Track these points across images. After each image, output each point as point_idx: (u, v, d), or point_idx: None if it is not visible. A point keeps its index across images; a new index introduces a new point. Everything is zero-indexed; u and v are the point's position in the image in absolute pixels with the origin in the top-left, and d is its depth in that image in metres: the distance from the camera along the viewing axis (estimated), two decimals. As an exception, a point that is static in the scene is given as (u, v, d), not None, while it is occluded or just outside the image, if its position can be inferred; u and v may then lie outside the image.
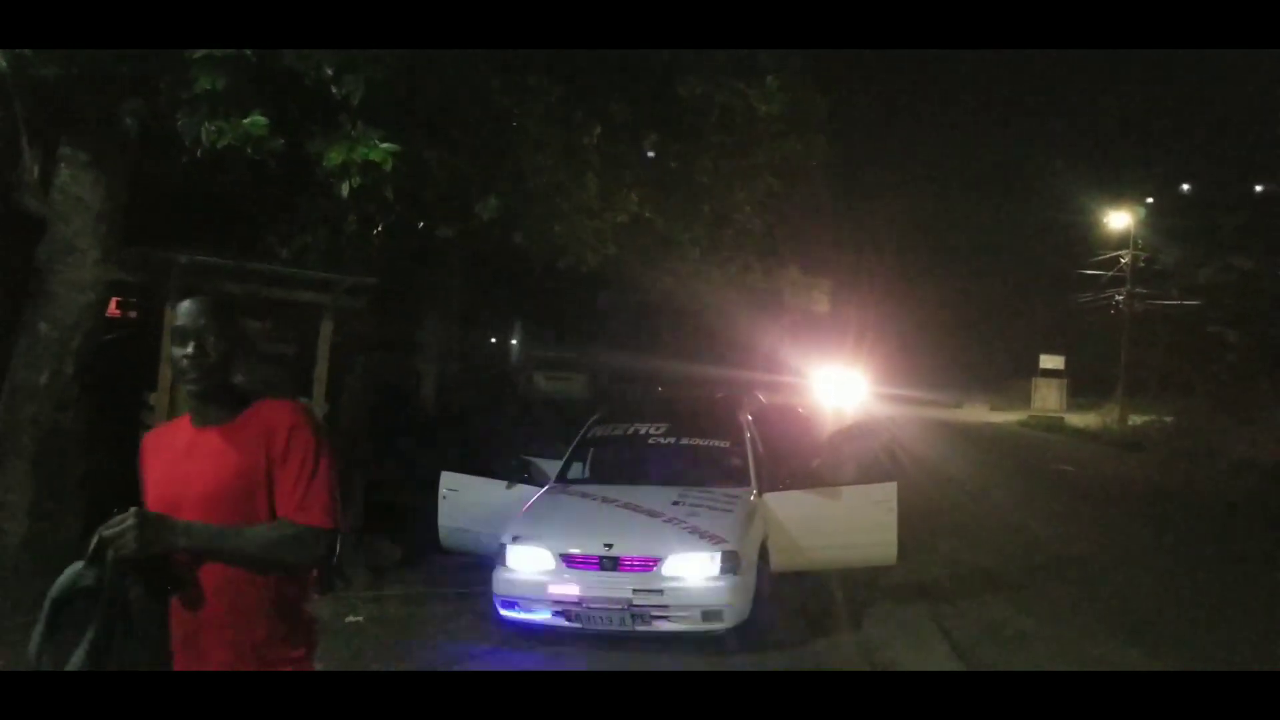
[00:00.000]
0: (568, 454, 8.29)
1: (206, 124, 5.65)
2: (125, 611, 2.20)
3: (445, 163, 7.15)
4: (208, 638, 2.35)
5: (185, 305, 2.45)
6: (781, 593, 7.38)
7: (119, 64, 5.68)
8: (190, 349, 2.38)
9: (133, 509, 2.22)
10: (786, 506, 7.48)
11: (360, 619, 6.89)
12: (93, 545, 2.18)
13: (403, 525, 8.65)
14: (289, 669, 2.44)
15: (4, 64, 5.43)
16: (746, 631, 6.57)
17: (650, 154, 8.87)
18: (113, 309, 8.23)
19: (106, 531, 2.17)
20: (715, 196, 9.97)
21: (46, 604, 2.18)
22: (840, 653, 6.69)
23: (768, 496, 7.51)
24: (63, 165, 6.60)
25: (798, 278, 13.03)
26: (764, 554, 7.07)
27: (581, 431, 8.52)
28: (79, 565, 2.19)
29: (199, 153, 5.82)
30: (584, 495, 7.61)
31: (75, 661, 2.12)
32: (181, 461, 2.44)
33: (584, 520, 7.10)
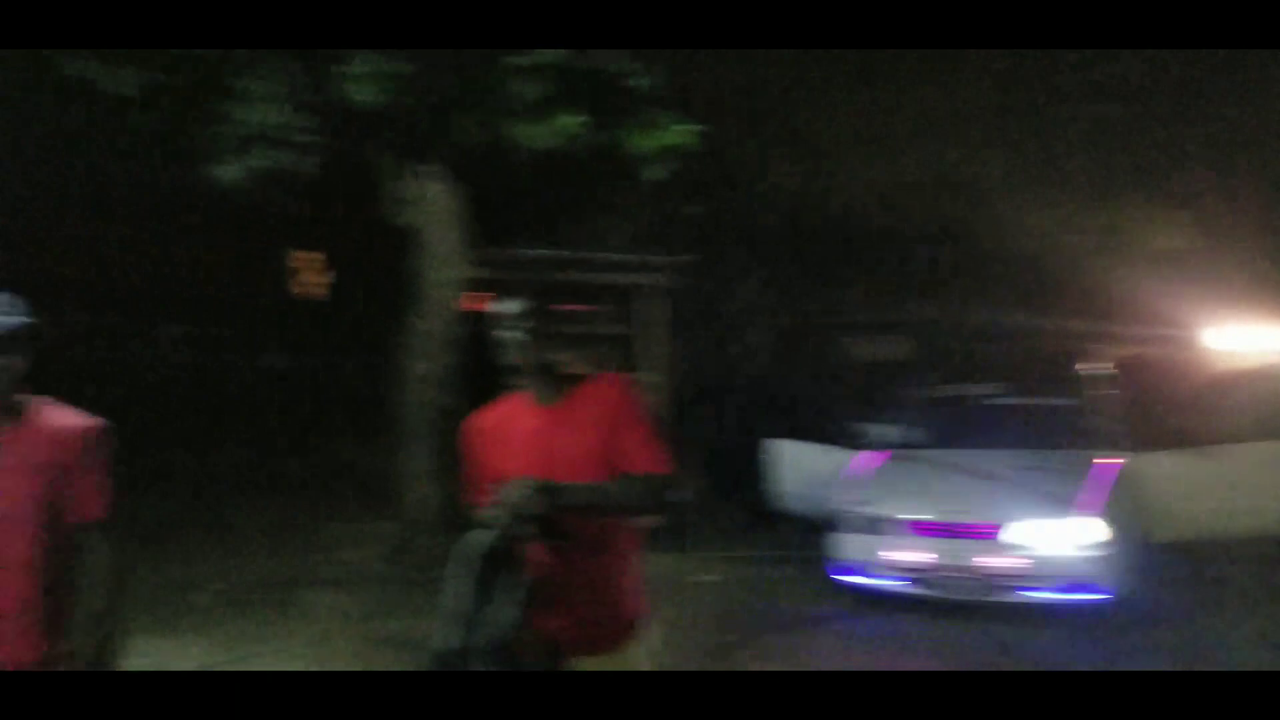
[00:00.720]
0: (900, 418, 8.05)
1: (529, 128, 6.13)
2: (523, 568, 2.49)
3: (746, 137, 7.26)
4: (584, 588, 2.63)
5: (508, 299, 2.73)
6: (1164, 565, 6.63)
7: (456, 84, 6.32)
8: (520, 330, 2.66)
9: (527, 477, 2.49)
10: (1165, 468, 6.71)
11: (714, 578, 7.19)
12: (501, 509, 2.45)
13: (743, 491, 8.87)
14: (644, 611, 2.75)
15: (379, 99, 6.19)
16: (1119, 605, 6.01)
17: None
18: (478, 303, 9.12)
19: (512, 496, 2.44)
20: (1031, 133, 9.14)
21: (474, 562, 2.45)
22: (1232, 634, 5.89)
23: (1140, 458, 6.79)
24: (424, 181, 7.44)
25: (1151, 214, 11.60)
26: (1137, 521, 6.41)
27: (914, 395, 8.24)
28: (489, 529, 2.46)
29: (527, 154, 6.35)
30: (923, 460, 7.35)
31: (509, 617, 2.41)
32: (539, 436, 2.69)
33: (925, 485, 6.89)
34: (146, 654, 5.34)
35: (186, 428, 12.84)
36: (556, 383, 2.72)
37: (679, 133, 6.24)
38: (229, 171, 6.49)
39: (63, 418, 2.45)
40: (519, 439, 2.73)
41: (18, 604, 2.34)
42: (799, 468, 7.90)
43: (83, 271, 14.31)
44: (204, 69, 6.56)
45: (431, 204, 7.42)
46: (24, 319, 2.37)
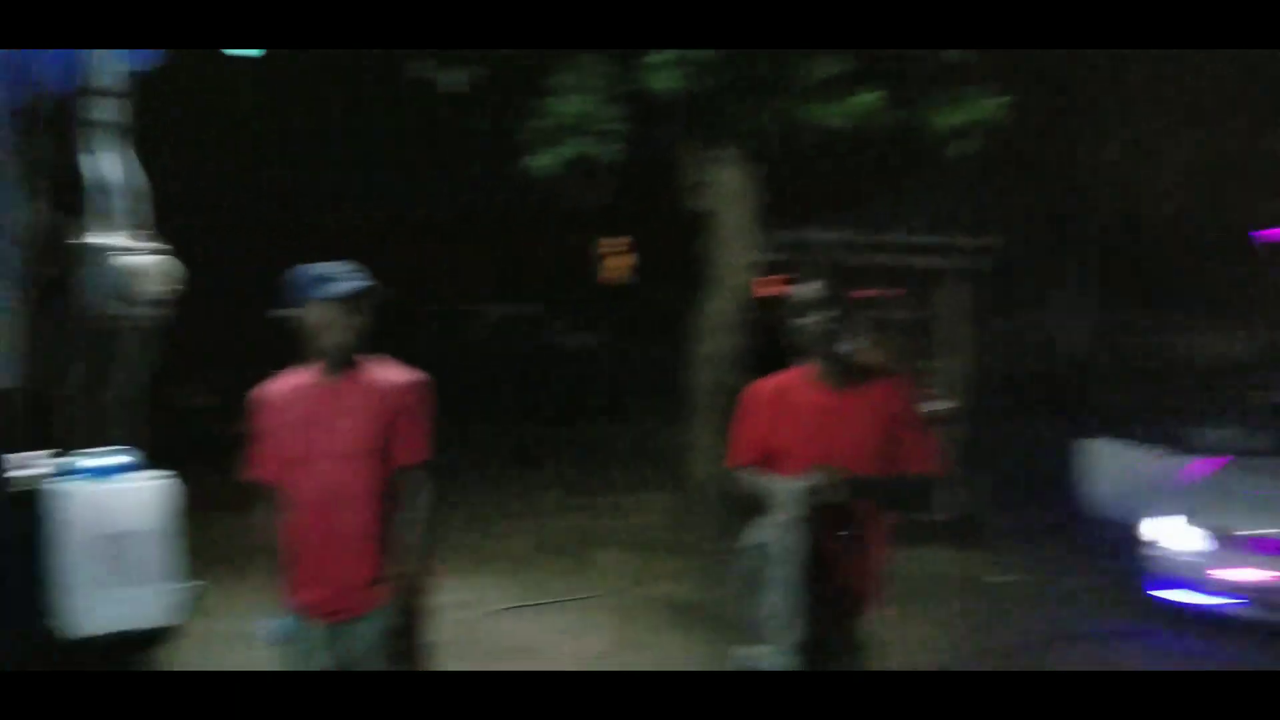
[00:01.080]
0: (1242, 422, 7.15)
1: (824, 108, 6.06)
2: (817, 555, 2.59)
3: (1062, 109, 6.69)
4: (858, 573, 2.74)
5: (806, 285, 2.81)
6: None
7: (753, 67, 6.38)
8: (817, 316, 2.73)
9: (823, 465, 2.58)
10: None
11: (1011, 579, 6.81)
12: (800, 496, 2.54)
13: (1046, 490, 8.29)
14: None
15: (679, 85, 6.41)
16: None
17: None
18: (769, 288, 9.23)
19: (813, 483, 2.55)
20: None
21: (784, 552, 2.56)
22: None
23: None
24: (716, 166, 7.60)
25: None
26: None
27: (1258, 396, 7.28)
28: (788, 514, 2.56)
29: (822, 135, 6.29)
30: (1263, 470, 6.47)
31: (814, 602, 2.52)
32: (823, 415, 2.76)
33: (1265, 498, 6.07)
34: (464, 590, 6.01)
35: (505, 397, 14.13)
36: (847, 369, 2.77)
37: (985, 106, 5.90)
38: (542, 162, 6.99)
39: (393, 373, 2.82)
40: (802, 414, 2.79)
41: (360, 528, 2.72)
42: (1115, 469, 7.27)
43: (420, 257, 16.13)
44: (525, 67, 7.13)
45: (725, 188, 7.57)
46: (367, 284, 2.75)
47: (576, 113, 6.83)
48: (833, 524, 2.59)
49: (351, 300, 2.69)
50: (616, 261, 19.04)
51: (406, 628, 2.72)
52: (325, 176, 12.32)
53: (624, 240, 18.91)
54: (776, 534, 2.57)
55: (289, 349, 2.79)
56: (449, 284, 17.55)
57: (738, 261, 7.64)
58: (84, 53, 3.10)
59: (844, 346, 2.74)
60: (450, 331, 17.22)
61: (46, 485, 3.35)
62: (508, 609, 6.00)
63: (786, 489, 2.59)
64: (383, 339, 2.85)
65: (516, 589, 6.41)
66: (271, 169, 11.76)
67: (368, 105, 8.48)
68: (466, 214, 15.13)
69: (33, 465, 3.43)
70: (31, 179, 3.48)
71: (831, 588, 2.63)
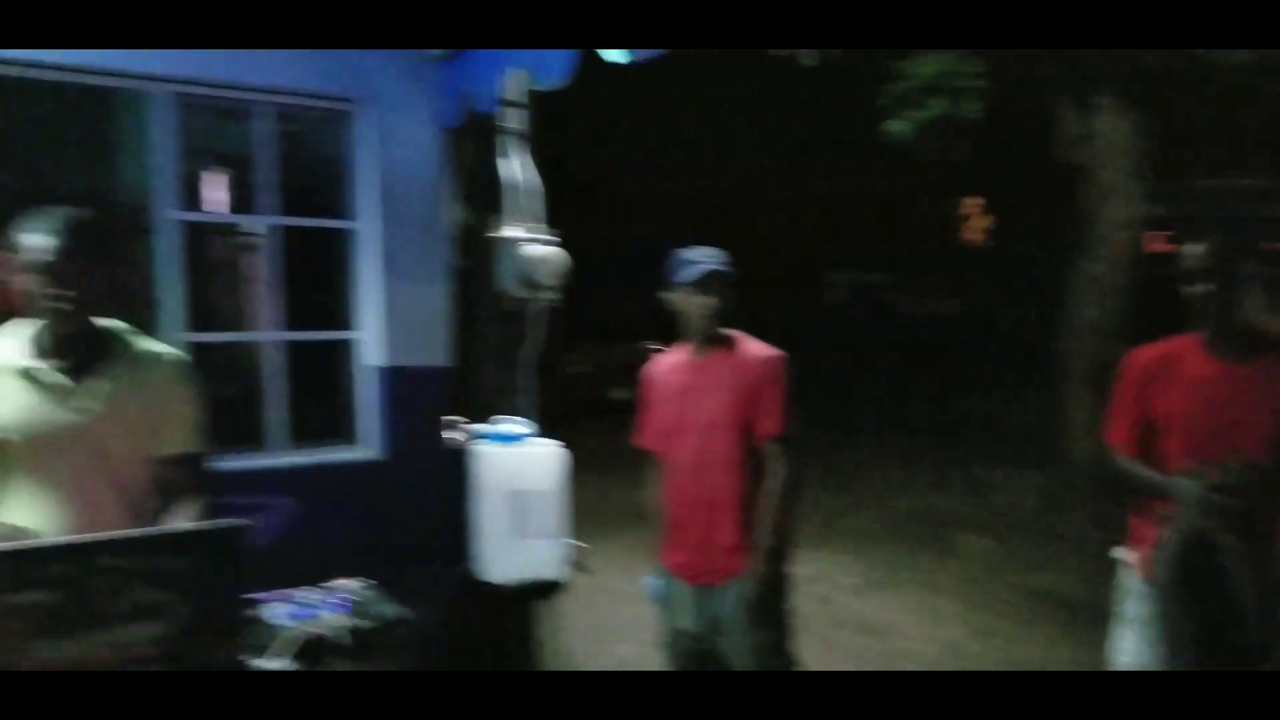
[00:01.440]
0: None
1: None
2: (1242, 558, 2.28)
3: None
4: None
5: (1196, 243, 2.45)
6: None
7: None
8: (1200, 288, 2.40)
9: (1229, 460, 2.27)
10: None
11: None
12: (1209, 494, 2.26)
13: None
14: None
15: None
16: None
17: None
18: (1158, 246, 8.36)
19: (1227, 481, 2.25)
20: None
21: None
22: None
23: None
24: (1099, 116, 6.94)
25: None
26: None
27: None
28: (1199, 522, 2.28)
29: (1218, 74, 5.53)
30: None
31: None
32: (1215, 390, 2.44)
33: None
34: (812, 563, 6.11)
35: (862, 368, 14.02)
36: (1245, 339, 2.43)
37: None
38: (901, 126, 6.82)
39: (752, 348, 2.96)
40: (1189, 388, 2.49)
41: (724, 497, 2.89)
42: None
43: (768, 226, 16.40)
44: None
45: (1105, 138, 6.91)
46: (724, 267, 2.89)
47: (937, 72, 6.58)
48: (1244, 528, 2.26)
49: (704, 283, 2.85)
50: (974, 223, 18.07)
51: (768, 595, 2.84)
52: (693, 159, 12.96)
53: (979, 201, 17.90)
54: (1194, 545, 2.28)
55: (661, 324, 3.01)
56: (811, 256, 17.70)
57: (1120, 218, 6.96)
58: (502, 75, 3.54)
59: (1241, 312, 2.39)
60: (809, 302, 17.36)
61: (468, 447, 3.90)
62: (862, 585, 5.97)
63: (1190, 490, 2.26)
64: (746, 314, 2.98)
65: (864, 566, 6.35)
66: (648, 160, 12.61)
67: (728, 86, 8.75)
68: (826, 187, 15.15)
69: (457, 430, 4.01)
70: (458, 183, 4.07)
71: (1258, 604, 2.31)
